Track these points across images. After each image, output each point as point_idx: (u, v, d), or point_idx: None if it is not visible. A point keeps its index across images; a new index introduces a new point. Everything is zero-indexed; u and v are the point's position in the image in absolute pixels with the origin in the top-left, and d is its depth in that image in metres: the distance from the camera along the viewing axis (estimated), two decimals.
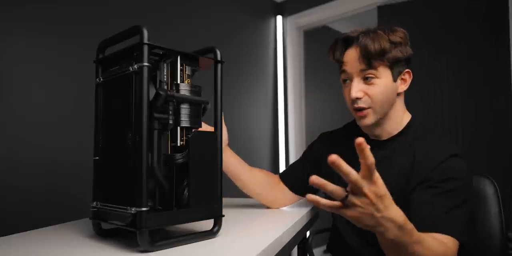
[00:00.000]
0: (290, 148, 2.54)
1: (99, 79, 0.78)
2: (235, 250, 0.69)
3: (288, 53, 2.56)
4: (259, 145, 2.43)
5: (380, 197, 0.60)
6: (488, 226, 1.02)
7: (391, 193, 0.81)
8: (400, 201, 0.85)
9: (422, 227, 0.75)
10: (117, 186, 0.72)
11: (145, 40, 0.66)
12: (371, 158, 0.57)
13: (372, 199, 0.59)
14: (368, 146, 0.58)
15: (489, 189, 1.05)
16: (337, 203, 0.61)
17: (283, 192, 1.12)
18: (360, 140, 0.57)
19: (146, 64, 0.66)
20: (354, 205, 0.60)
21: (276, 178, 1.14)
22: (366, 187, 0.59)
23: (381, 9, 2.17)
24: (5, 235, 0.82)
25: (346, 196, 0.60)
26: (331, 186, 0.59)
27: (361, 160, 0.58)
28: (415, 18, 2.06)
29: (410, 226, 0.67)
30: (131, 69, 0.68)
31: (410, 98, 1.97)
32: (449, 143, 0.92)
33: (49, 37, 1.39)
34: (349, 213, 0.61)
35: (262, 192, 1.09)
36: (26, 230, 0.86)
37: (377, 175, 0.60)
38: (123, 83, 0.71)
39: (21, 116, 1.30)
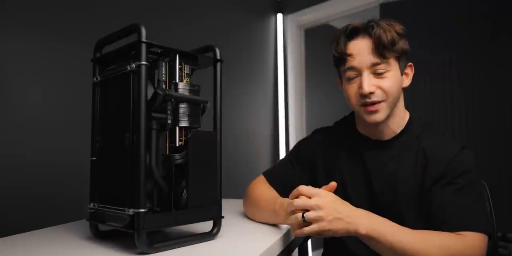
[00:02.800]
0: (290, 147, 2.53)
1: (96, 78, 0.77)
2: (235, 253, 0.68)
3: (289, 52, 2.54)
4: (260, 144, 2.42)
5: (333, 201, 0.75)
6: None
7: (406, 192, 0.87)
8: (416, 199, 0.85)
9: (451, 227, 0.77)
10: (115, 187, 0.71)
11: (143, 39, 0.65)
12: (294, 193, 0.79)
13: (325, 205, 0.73)
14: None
15: None
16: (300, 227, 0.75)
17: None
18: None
19: (144, 63, 0.65)
20: (316, 219, 0.72)
21: (271, 187, 1.04)
22: (313, 201, 0.74)
23: (383, 6, 2.15)
24: (1, 237, 0.81)
25: (303, 216, 0.73)
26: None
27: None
28: (418, 15, 2.04)
29: (378, 217, 0.76)
30: (129, 68, 0.67)
31: (414, 97, 1.98)
32: (452, 137, 0.91)
33: (46, 36, 1.37)
34: (316, 227, 0.72)
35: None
36: (22, 232, 0.85)
37: (315, 191, 0.77)
38: (120, 82, 0.70)
39: (17, 116, 1.29)
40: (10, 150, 1.26)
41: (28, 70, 1.33)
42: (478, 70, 1.85)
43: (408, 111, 0.97)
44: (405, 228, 0.74)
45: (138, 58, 0.65)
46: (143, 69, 0.65)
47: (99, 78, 0.77)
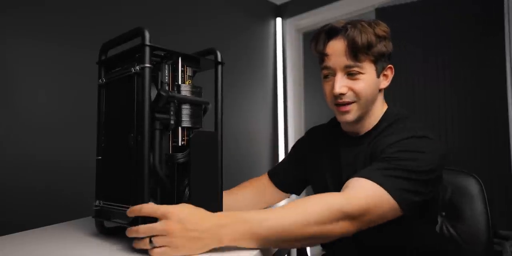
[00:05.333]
0: (289, 148, 2.55)
1: (102, 80, 0.80)
2: (234, 249, 0.68)
3: (288, 55, 2.57)
4: (259, 146, 2.45)
5: (180, 222, 0.59)
6: (474, 222, 1.06)
7: None
8: None
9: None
10: (119, 185, 0.74)
11: (147, 42, 0.67)
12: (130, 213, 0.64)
13: (173, 230, 0.59)
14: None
15: (474, 188, 1.09)
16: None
17: (272, 192, 1.08)
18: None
19: (147, 65, 0.67)
20: (164, 243, 0.59)
21: (261, 182, 1.10)
22: (159, 226, 0.60)
23: (378, 11, 2.18)
24: (11, 233, 0.83)
25: (150, 241, 0.60)
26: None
27: None
28: (412, 20, 2.07)
29: (239, 216, 0.64)
30: (133, 70, 0.69)
31: (407, 97, 2.00)
32: (420, 127, 0.87)
33: (53, 39, 1.40)
34: (169, 251, 0.59)
35: (253, 208, 1.04)
36: (30, 229, 0.88)
37: (161, 210, 0.61)
38: (125, 84, 0.73)
39: (25, 116, 1.32)
40: (19, 150, 1.29)
41: (35, 72, 1.36)
42: (470, 71, 1.88)
43: (388, 106, 0.97)
44: (269, 211, 0.67)
45: (142, 60, 0.67)
46: (147, 71, 0.67)
47: (104, 80, 0.79)
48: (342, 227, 0.67)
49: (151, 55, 0.69)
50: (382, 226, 0.75)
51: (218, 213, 0.65)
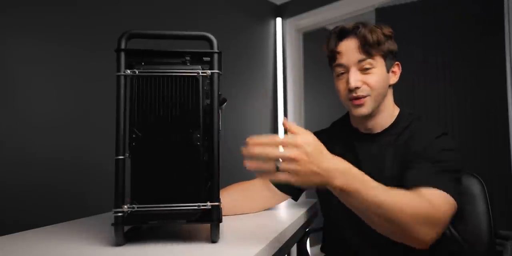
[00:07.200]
0: None
1: (133, 72, 0.71)
2: (233, 250, 0.68)
3: (288, 55, 2.58)
4: None
5: (307, 155, 0.63)
6: (476, 222, 1.07)
7: (392, 176, 0.90)
8: (401, 181, 0.85)
9: (411, 183, 0.79)
10: (178, 185, 0.71)
11: (216, 49, 0.72)
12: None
13: (300, 159, 0.62)
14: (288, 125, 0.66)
15: (476, 188, 1.09)
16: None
17: (267, 195, 1.06)
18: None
19: (217, 71, 0.71)
20: (290, 170, 0.63)
21: (253, 184, 1.07)
22: (287, 154, 0.62)
23: (378, 11, 2.20)
24: (11, 233, 0.82)
25: (277, 167, 0.63)
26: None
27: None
28: (412, 20, 2.09)
29: (356, 171, 0.68)
30: (200, 73, 0.71)
31: (407, 97, 2.01)
32: (438, 125, 0.96)
33: (53, 39, 1.40)
34: (289, 177, 0.63)
35: (242, 211, 1.04)
36: (31, 228, 0.86)
37: (290, 141, 0.63)
38: (180, 83, 0.71)
39: (25, 116, 1.32)
40: (19, 150, 1.29)
41: (35, 73, 1.35)
42: (470, 71, 1.90)
43: (399, 106, 1.03)
44: (380, 185, 0.70)
45: (212, 66, 0.71)
46: (216, 76, 0.71)
47: (136, 72, 0.71)
48: (426, 232, 0.71)
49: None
50: None
51: (338, 158, 0.67)
